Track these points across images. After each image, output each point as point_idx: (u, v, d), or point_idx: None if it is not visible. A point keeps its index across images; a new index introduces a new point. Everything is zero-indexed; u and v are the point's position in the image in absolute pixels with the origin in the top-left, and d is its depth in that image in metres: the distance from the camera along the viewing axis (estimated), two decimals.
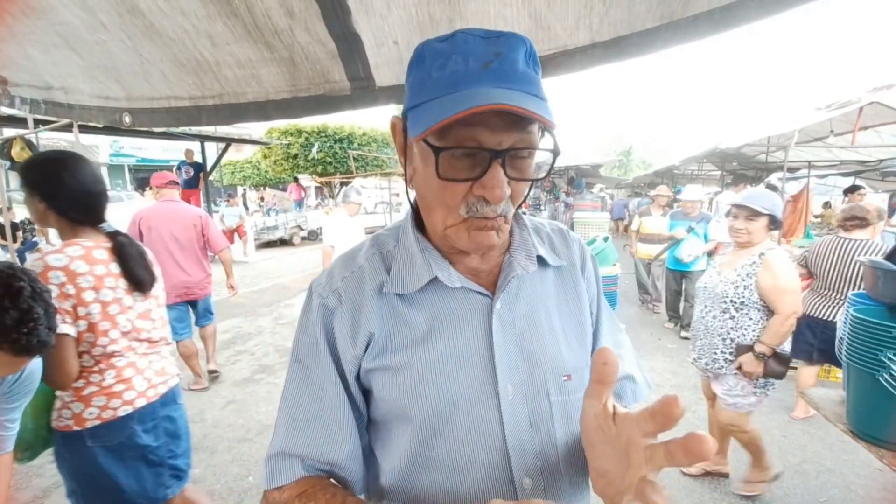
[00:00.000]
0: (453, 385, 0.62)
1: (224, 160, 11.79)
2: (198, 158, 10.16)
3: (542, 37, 1.06)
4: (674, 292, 5.14)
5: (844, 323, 1.79)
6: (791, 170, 7.87)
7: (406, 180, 0.65)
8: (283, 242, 12.77)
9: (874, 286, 1.72)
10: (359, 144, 14.15)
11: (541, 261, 0.69)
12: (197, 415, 3.35)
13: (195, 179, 10.07)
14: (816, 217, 10.48)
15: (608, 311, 0.79)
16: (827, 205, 11.22)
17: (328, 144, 13.60)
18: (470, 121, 0.50)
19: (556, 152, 0.57)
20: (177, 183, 3.75)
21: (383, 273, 0.66)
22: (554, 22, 1.02)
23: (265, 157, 15.27)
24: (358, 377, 0.65)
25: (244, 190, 24.16)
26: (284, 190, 20.67)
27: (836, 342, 2.15)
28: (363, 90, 1.18)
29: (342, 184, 15.19)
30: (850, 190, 6.62)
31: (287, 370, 0.69)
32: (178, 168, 9.96)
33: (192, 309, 3.77)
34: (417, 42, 1.11)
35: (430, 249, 0.66)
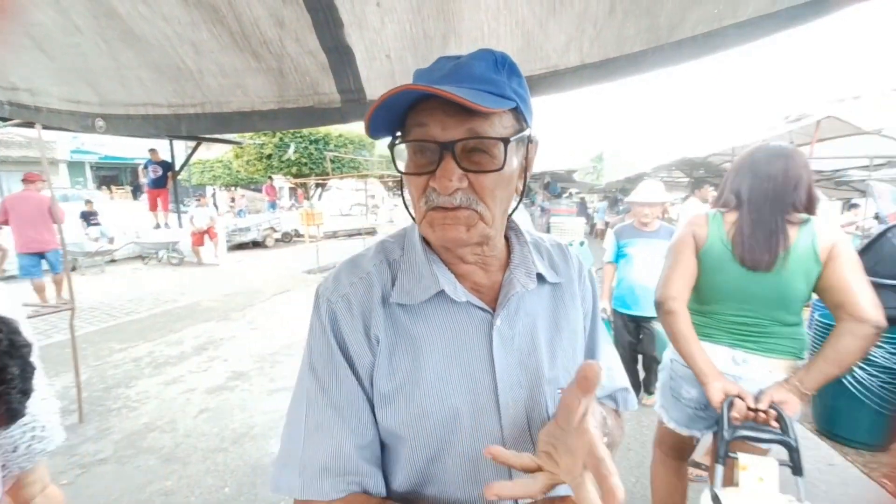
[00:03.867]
0: (456, 399, 0.62)
1: (192, 159, 11.41)
2: (165, 157, 9.83)
3: (533, 57, 1.08)
4: (627, 346, 3.26)
5: (810, 327, 1.89)
6: None
7: (402, 193, 0.68)
8: (255, 244, 12.50)
9: None
10: (335, 146, 13.97)
11: (540, 277, 0.70)
12: (168, 424, 3.24)
13: (163, 179, 9.75)
14: None
15: (602, 326, 0.81)
16: None
17: (304, 145, 13.37)
18: (423, 120, 0.56)
19: (506, 140, 0.57)
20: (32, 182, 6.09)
21: (389, 281, 0.66)
22: (545, 42, 1.04)
23: (237, 156, 14.88)
24: (371, 383, 0.64)
25: (214, 190, 23.51)
26: (257, 190, 20.22)
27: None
28: (354, 103, 1.17)
29: (318, 185, 14.99)
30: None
31: (300, 378, 0.67)
32: (146, 167, 9.61)
33: (45, 260, 6.12)
34: (410, 57, 1.12)
35: (438, 262, 0.66)
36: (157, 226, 10.17)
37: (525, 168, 0.66)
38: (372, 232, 11.90)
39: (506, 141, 0.58)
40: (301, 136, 13.42)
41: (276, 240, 13.22)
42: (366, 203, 12.40)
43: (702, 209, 6.14)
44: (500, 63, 0.59)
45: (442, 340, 0.64)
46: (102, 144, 20.92)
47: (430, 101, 0.56)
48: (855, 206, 8.44)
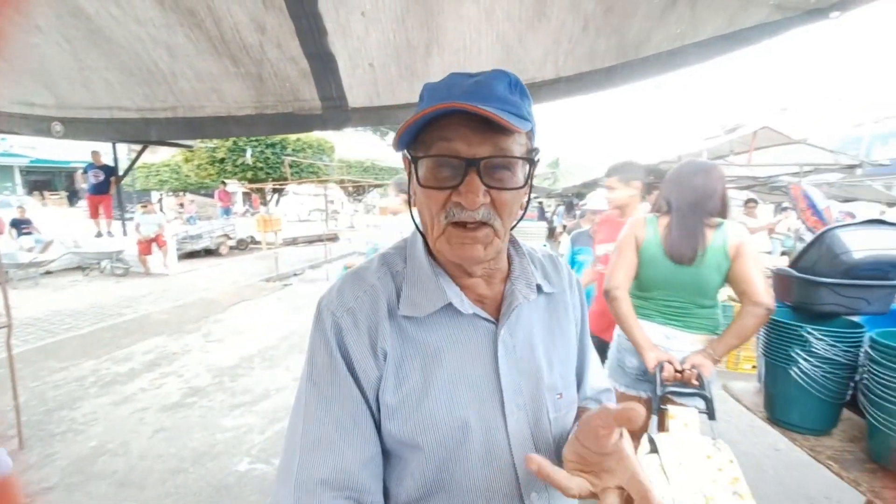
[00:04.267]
0: (465, 409, 0.63)
1: (137, 163, 10.77)
2: (107, 161, 9.22)
3: (511, 69, 1.09)
4: None
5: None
6: None
7: (410, 205, 0.69)
8: (208, 252, 11.93)
9: (781, 291, 1.98)
10: (293, 150, 13.61)
11: (538, 288, 0.73)
12: (120, 447, 3.03)
13: (105, 184, 9.14)
14: None
15: (588, 333, 0.85)
16: None
17: (259, 149, 12.93)
18: (448, 135, 0.57)
19: (530, 160, 0.61)
20: None
21: (394, 294, 0.67)
22: (524, 55, 1.08)
23: (187, 160, 14.16)
24: (377, 398, 0.64)
25: (160, 195, 22.27)
26: (207, 196, 19.32)
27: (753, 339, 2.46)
28: (335, 110, 1.17)
29: (275, 190, 14.53)
30: (746, 202, 7.51)
31: (299, 392, 0.66)
32: (86, 172, 8.98)
33: None
34: (393, 65, 1.14)
35: (444, 275, 0.67)
36: (99, 234, 9.50)
37: (530, 185, 0.68)
38: (334, 238, 11.65)
39: (530, 161, 0.61)
40: (257, 141, 12.98)
41: (231, 247, 12.68)
42: (325, 209, 12.10)
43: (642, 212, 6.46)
44: (514, 85, 0.61)
45: (449, 352, 0.65)
46: (33, 147, 19.35)
47: (454, 117, 0.57)
48: (786, 209, 9.18)
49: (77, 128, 1.24)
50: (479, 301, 0.69)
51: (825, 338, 1.62)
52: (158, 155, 20.20)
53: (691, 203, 1.76)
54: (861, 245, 1.74)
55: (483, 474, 0.64)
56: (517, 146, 0.60)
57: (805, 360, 1.66)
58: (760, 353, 1.94)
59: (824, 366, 1.62)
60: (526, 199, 0.67)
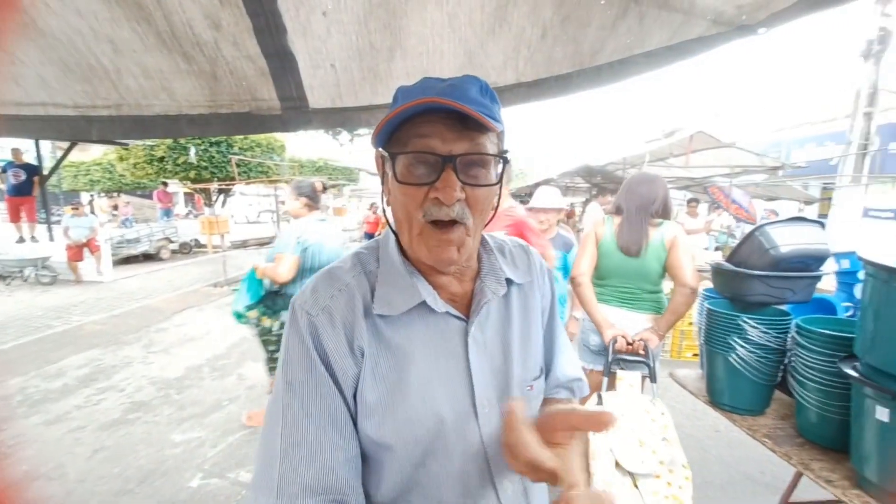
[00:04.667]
0: (440, 405, 0.65)
1: (64, 161, 9.89)
2: (29, 159, 8.43)
3: (474, 73, 1.13)
4: None
5: (700, 314, 2.20)
6: None
7: (384, 205, 0.70)
8: (147, 257, 11.20)
9: (718, 283, 2.14)
10: (240, 149, 13.00)
11: (509, 281, 0.75)
12: (55, 470, 2.79)
13: (27, 184, 8.35)
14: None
15: (559, 320, 0.88)
16: None
17: (203, 148, 12.25)
18: (425, 132, 0.59)
19: (505, 159, 0.64)
20: None
21: (368, 293, 0.67)
22: (485, 60, 1.11)
23: (122, 159, 13.14)
24: (355, 395, 0.64)
25: (91, 196, 20.63)
26: (145, 196, 18.09)
27: (694, 328, 2.68)
28: (295, 111, 1.14)
29: (221, 190, 13.84)
30: (689, 202, 8.01)
31: (275, 396, 0.64)
32: (4, 171, 8.15)
33: None
34: (356, 67, 1.13)
35: (417, 273, 0.68)
36: (21, 239, 8.64)
37: (500, 187, 0.69)
38: None
39: (503, 158, 0.64)
40: (201, 139, 12.30)
41: (174, 251, 11.97)
42: (276, 210, 11.67)
43: (600, 211, 6.78)
44: (485, 90, 0.63)
45: (422, 349, 0.66)
46: None
47: (430, 115, 0.59)
48: (718, 207, 9.90)
49: (6, 125, 1.13)
50: (451, 300, 0.70)
51: (758, 326, 1.78)
52: (89, 153, 18.70)
53: (638, 207, 2.20)
54: (787, 240, 1.92)
55: (458, 467, 0.65)
56: (491, 145, 0.62)
57: (741, 346, 1.81)
58: (702, 342, 2.09)
59: (758, 351, 1.77)
60: (497, 199, 0.69)
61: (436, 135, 0.59)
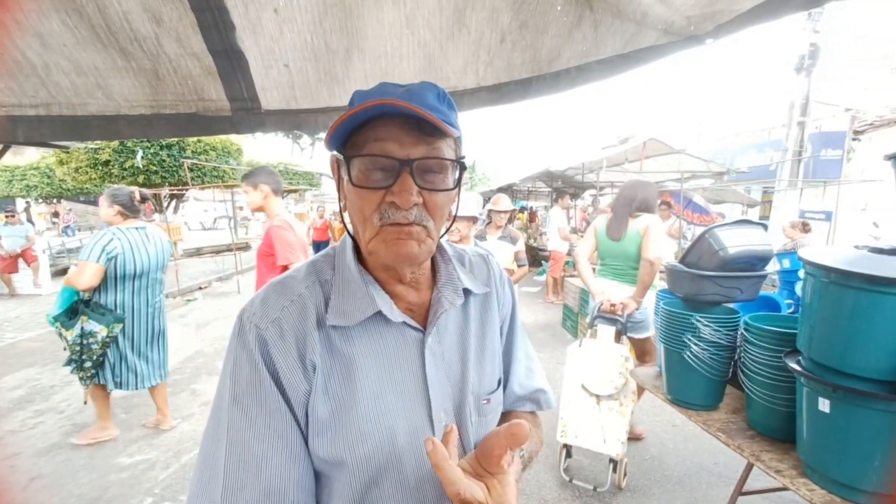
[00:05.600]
0: (393, 419, 0.63)
1: None
2: None
3: (434, 77, 1.13)
4: None
5: (656, 314, 2.27)
6: (600, 188, 9.59)
7: (341, 210, 0.67)
8: None
9: (672, 283, 2.22)
10: (193, 152, 12.42)
11: (466, 291, 0.73)
12: None
13: None
14: None
15: (520, 329, 0.87)
16: None
17: (153, 151, 11.62)
18: (381, 136, 0.58)
19: (462, 164, 0.64)
20: None
21: (322, 303, 0.64)
22: (444, 64, 1.10)
23: (62, 162, 12.26)
24: (306, 412, 0.61)
25: (27, 203, 19.18)
26: (89, 203, 16.99)
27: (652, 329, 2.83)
28: (246, 112, 1.08)
29: (172, 196, 13.19)
30: (660, 205, 8.17)
31: (217, 411, 0.60)
32: None
33: None
34: (311, 68, 1.09)
35: (373, 283, 0.66)
36: None
37: (457, 194, 0.68)
38: (245, 247, 10.86)
39: (461, 164, 0.63)
40: (150, 142, 11.68)
41: None
42: (233, 215, 11.23)
43: (563, 215, 6.92)
44: (442, 97, 0.63)
45: (377, 361, 0.64)
46: None
47: (386, 119, 0.58)
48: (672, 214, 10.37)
49: None
50: (408, 310, 0.68)
51: (710, 324, 1.86)
52: (24, 156, 17.38)
53: (621, 204, 3.06)
54: (734, 242, 2.02)
55: (414, 485, 0.63)
56: (448, 150, 0.62)
57: (695, 344, 1.88)
58: (658, 341, 2.16)
59: (710, 348, 1.85)
60: (455, 206, 0.68)
61: (392, 139, 0.58)
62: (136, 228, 2.94)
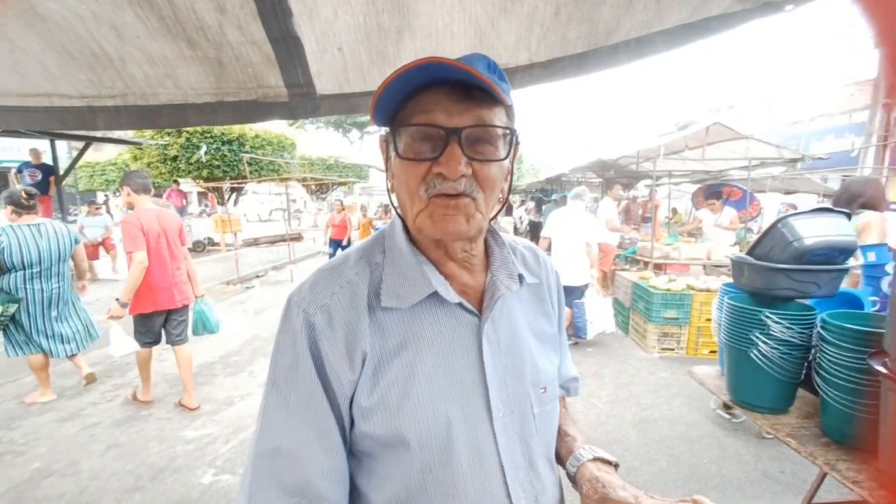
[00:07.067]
0: (448, 405, 0.60)
1: (79, 161, 10.03)
2: (46, 159, 8.55)
3: (485, 54, 1.10)
4: None
5: (719, 310, 2.13)
6: (656, 178, 9.12)
7: (389, 191, 0.66)
8: None
9: (738, 277, 2.07)
10: (251, 147, 13.08)
11: (520, 278, 0.70)
12: (68, 467, 2.81)
13: (43, 184, 8.46)
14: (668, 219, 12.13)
15: (563, 319, 0.84)
16: (674, 210, 13.04)
17: (215, 146, 12.34)
18: (428, 107, 0.56)
19: (512, 131, 0.60)
20: None
21: (374, 286, 0.63)
22: (497, 41, 1.07)
23: (136, 158, 13.32)
24: (351, 403, 0.60)
25: (106, 196, 20.99)
26: (159, 196, 18.30)
27: (713, 325, 2.62)
28: (303, 97, 1.10)
29: (233, 189, 13.96)
30: (708, 198, 7.61)
31: (262, 395, 0.61)
32: (20, 171, 8.29)
33: None
34: (364, 50, 1.09)
35: (426, 262, 0.64)
36: None
37: (510, 171, 0.65)
38: (298, 238, 11.32)
39: (511, 131, 0.60)
40: (213, 137, 12.39)
41: (188, 249, 12.12)
42: (287, 207, 11.72)
43: (613, 206, 6.65)
44: (493, 67, 0.60)
45: (432, 346, 0.62)
46: None
47: (434, 90, 0.56)
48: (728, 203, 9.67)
49: (9, 117, 1.11)
50: (462, 291, 0.66)
51: (781, 321, 1.71)
52: (104, 153, 19.00)
53: (845, 199, 2.95)
54: (811, 232, 1.84)
55: (470, 472, 0.60)
56: (499, 120, 0.58)
57: (764, 342, 1.74)
58: (722, 338, 2.02)
59: (781, 347, 1.70)
60: (508, 182, 0.65)
61: (440, 108, 0.56)
62: (30, 225, 3.37)
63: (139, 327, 3.43)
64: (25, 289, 3.42)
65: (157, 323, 3.47)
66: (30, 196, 3.47)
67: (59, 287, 3.59)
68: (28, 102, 1.08)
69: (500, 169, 0.60)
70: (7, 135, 7.50)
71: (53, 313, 3.59)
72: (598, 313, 4.46)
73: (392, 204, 0.68)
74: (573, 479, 0.70)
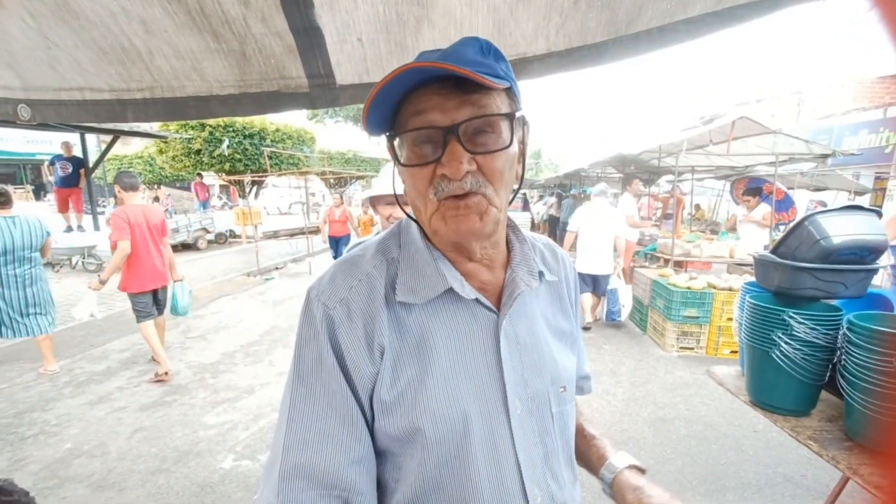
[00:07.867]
0: (465, 401, 0.60)
1: (108, 154, 10.34)
2: (76, 152, 8.85)
3: (503, 43, 1.09)
4: None
5: (740, 308, 2.08)
6: (679, 173, 8.92)
7: (400, 204, 0.67)
8: (185, 247, 11.60)
9: (761, 276, 2.02)
10: (272, 141, 13.29)
11: (540, 275, 0.70)
12: (97, 448, 2.93)
13: (74, 176, 8.77)
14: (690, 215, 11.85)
15: (580, 321, 0.84)
16: (697, 206, 12.75)
17: (237, 140, 12.58)
18: (421, 108, 0.55)
19: (511, 116, 0.57)
20: None
21: (391, 281, 0.63)
22: (515, 29, 1.06)
23: (161, 151, 13.67)
24: (371, 396, 0.60)
25: None
26: (183, 188, 18.78)
27: (734, 325, 2.53)
28: (322, 88, 1.12)
29: (254, 182, 14.22)
30: (744, 194, 7.19)
31: (286, 389, 0.62)
32: (52, 163, 8.60)
33: None
34: (382, 40, 1.10)
35: (443, 259, 0.63)
36: (69, 229, 9.12)
37: (522, 152, 0.64)
38: (316, 231, 11.47)
39: (510, 116, 0.57)
40: (235, 131, 12.62)
41: (210, 241, 12.38)
42: (306, 201, 11.87)
43: (633, 202, 6.53)
44: (486, 48, 0.58)
45: (448, 342, 0.62)
46: None
47: (425, 89, 0.55)
48: (766, 198, 9.39)
49: (45, 111, 1.16)
50: (480, 288, 0.65)
51: (805, 321, 1.66)
52: (130, 146, 19.57)
53: None
54: (839, 230, 1.78)
55: (487, 470, 0.60)
56: (499, 105, 0.57)
57: (786, 343, 1.70)
58: (743, 338, 1.98)
59: (804, 348, 1.66)
60: (520, 167, 0.64)
61: (434, 108, 0.54)
62: (5, 217, 3.73)
63: (135, 305, 3.97)
64: (1, 273, 3.73)
65: (148, 301, 4.00)
66: (2, 193, 3.81)
67: (31, 272, 3.93)
68: (62, 96, 1.13)
69: (506, 157, 0.58)
70: (41, 128, 7.78)
71: (31, 295, 3.90)
72: (626, 297, 5.16)
73: (405, 212, 0.68)
74: (610, 485, 0.72)
